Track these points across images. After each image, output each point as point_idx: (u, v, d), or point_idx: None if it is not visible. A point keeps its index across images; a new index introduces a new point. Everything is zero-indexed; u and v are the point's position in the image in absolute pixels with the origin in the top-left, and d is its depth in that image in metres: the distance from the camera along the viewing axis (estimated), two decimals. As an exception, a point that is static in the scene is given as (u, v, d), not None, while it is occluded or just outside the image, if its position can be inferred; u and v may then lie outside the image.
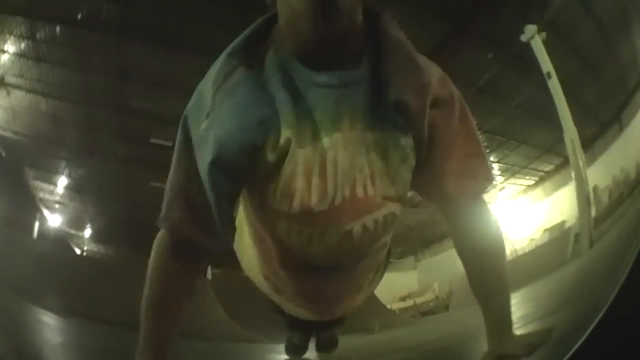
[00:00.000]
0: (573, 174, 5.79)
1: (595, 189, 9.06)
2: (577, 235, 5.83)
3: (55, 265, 7.27)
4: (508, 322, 1.03)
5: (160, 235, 1.06)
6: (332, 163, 0.86)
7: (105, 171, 12.09)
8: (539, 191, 13.90)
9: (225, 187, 0.87)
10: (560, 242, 7.00)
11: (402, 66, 0.86)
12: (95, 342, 2.42)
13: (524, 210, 13.16)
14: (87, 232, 13.64)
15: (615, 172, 8.93)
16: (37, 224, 12.84)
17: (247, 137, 0.83)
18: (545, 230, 11.76)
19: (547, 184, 13.39)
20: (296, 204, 0.89)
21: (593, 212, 8.88)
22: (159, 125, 10.04)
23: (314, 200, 0.88)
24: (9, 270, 6.26)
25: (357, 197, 0.90)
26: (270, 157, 0.86)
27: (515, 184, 13.69)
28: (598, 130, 10.65)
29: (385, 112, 0.87)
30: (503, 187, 13.62)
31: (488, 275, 1.09)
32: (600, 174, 9.73)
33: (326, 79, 0.86)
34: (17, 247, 7.32)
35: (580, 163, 5.70)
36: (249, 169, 0.87)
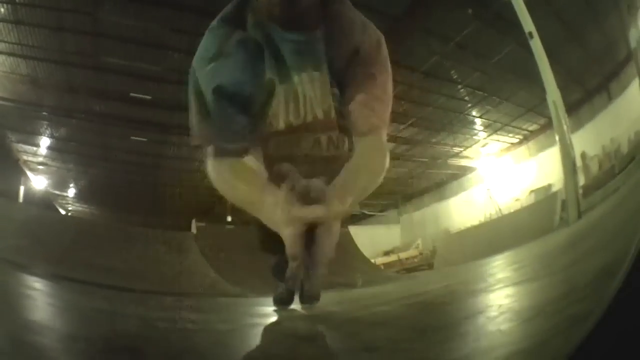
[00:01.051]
0: (557, 137, 5.80)
1: (583, 155, 9.07)
2: (564, 203, 5.85)
3: (42, 229, 7.17)
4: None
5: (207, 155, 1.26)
6: (302, 94, 1.29)
7: (86, 129, 11.74)
8: (523, 150, 13.89)
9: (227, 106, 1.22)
10: (546, 206, 7.03)
11: (340, 32, 1.28)
12: (85, 305, 2.41)
13: (507, 169, 13.16)
14: (71, 192, 13.47)
15: (605, 142, 8.95)
16: (22, 188, 12.66)
17: (248, 80, 1.24)
18: (531, 191, 11.77)
19: (532, 144, 13.34)
20: (281, 122, 1.30)
21: (582, 180, 8.88)
22: (136, 81, 9.78)
23: (291, 118, 1.30)
24: None
25: (319, 118, 1.31)
26: (260, 93, 1.27)
27: (499, 140, 13.59)
28: (584, 96, 10.59)
29: (331, 62, 1.29)
30: (486, 143, 13.55)
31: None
32: (588, 141, 9.78)
33: (294, 36, 1.27)
34: (3, 215, 7.19)
35: (565, 127, 5.71)
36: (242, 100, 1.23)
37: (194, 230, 9.70)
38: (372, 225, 22.15)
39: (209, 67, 1.22)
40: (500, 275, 2.09)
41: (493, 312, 1.02)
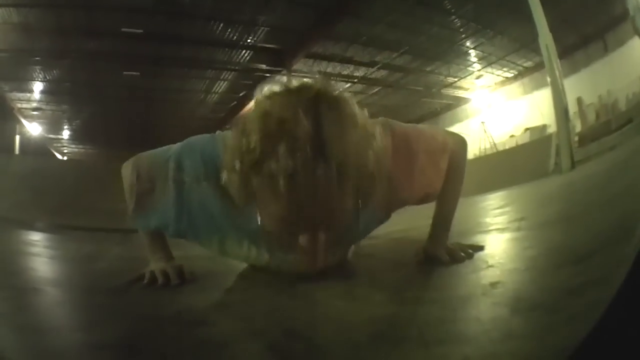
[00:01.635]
0: (549, 80, 5.80)
1: (580, 101, 9.04)
2: (558, 147, 5.91)
3: (42, 180, 7.17)
4: (447, 229, 1.17)
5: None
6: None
7: (79, 69, 11.57)
8: (518, 86, 13.85)
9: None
10: (541, 148, 7.07)
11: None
12: (84, 252, 2.51)
13: (502, 104, 13.12)
14: (67, 134, 13.39)
15: (602, 92, 8.92)
16: (17, 138, 12.54)
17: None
18: (526, 129, 11.80)
19: (527, 81, 13.27)
20: None
21: (578, 127, 8.93)
22: (126, 15, 9.56)
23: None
24: None
25: None
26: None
27: (493, 74, 13.51)
28: (579, 41, 10.47)
29: None
30: (480, 75, 13.45)
31: (450, 193, 1.19)
32: (585, 87, 9.74)
33: None
34: (2, 171, 7.18)
35: (557, 73, 5.70)
36: None
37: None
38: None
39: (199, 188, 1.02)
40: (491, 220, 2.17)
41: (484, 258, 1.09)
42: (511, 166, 7.64)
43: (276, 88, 0.84)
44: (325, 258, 0.89)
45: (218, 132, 1.10)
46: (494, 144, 14.33)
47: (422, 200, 1.16)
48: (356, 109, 0.84)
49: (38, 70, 12.59)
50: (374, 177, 0.83)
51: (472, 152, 14.66)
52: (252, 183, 0.80)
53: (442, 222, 1.18)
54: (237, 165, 0.81)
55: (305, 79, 0.89)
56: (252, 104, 0.88)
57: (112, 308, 0.89)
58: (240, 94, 15.29)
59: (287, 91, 0.83)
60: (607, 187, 1.78)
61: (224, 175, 0.88)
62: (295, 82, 0.86)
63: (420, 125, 1.31)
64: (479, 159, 11.39)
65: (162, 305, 0.92)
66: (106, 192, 6.98)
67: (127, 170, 1.21)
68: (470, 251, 1.08)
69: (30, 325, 0.77)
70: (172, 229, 1.06)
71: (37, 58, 11.31)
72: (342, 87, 0.94)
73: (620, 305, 0.47)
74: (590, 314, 0.54)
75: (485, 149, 14.35)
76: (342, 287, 0.96)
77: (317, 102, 0.79)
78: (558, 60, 6.09)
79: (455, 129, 17.36)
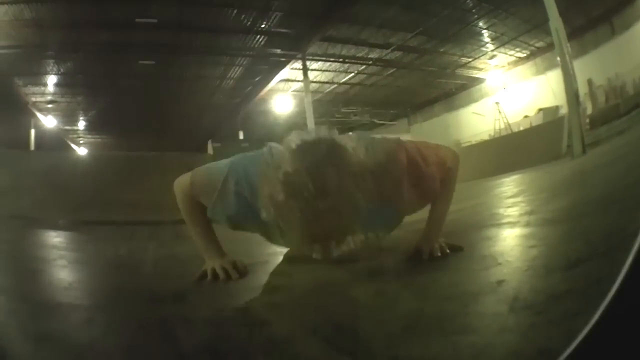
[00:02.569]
0: (559, 63, 5.85)
1: (590, 82, 9.12)
2: (570, 130, 5.99)
3: (61, 176, 7.16)
4: (439, 229, 1.41)
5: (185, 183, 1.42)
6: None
7: (94, 60, 11.66)
8: (530, 66, 13.81)
9: None
10: (554, 129, 7.11)
11: None
12: (105, 249, 2.51)
13: (516, 84, 13.07)
14: (82, 125, 13.58)
15: (611, 75, 8.98)
16: (32, 133, 12.67)
17: None
18: (540, 109, 11.78)
19: (539, 61, 13.26)
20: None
21: (589, 109, 8.94)
22: (141, 5, 9.62)
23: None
24: (11, 200, 6.09)
25: None
26: None
27: (506, 54, 13.48)
28: (586, 23, 10.50)
29: None
30: (494, 55, 13.39)
31: (444, 199, 1.44)
32: (594, 69, 9.84)
33: None
34: (22, 169, 7.09)
35: (567, 57, 5.74)
36: None
37: (210, 151, 9.83)
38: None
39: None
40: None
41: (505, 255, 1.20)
42: (525, 148, 7.69)
43: (294, 144, 1.12)
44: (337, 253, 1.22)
45: (265, 148, 1.29)
46: (509, 125, 14.34)
47: (423, 205, 1.43)
48: (356, 159, 1.13)
49: (52, 64, 12.65)
50: (361, 208, 1.10)
51: (487, 132, 14.69)
52: (278, 210, 1.08)
53: (435, 223, 1.43)
54: (269, 206, 1.09)
55: (317, 137, 1.15)
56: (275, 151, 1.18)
57: (177, 316, 0.97)
58: (256, 79, 15.33)
59: (302, 148, 1.11)
60: (614, 183, 1.90)
61: (260, 204, 1.16)
62: (309, 138, 1.13)
63: (428, 143, 1.53)
64: (495, 141, 11.43)
65: (222, 308, 1.05)
66: (129, 184, 7.07)
67: (184, 181, 1.42)
68: (448, 251, 1.31)
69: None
70: (233, 220, 1.33)
71: (50, 52, 11.37)
72: (347, 141, 1.16)
73: (620, 305, 0.49)
74: (574, 322, 0.58)
75: (500, 129, 14.34)
76: (374, 285, 1.13)
77: (324, 163, 1.08)
78: (568, 45, 6.16)
79: (470, 108, 17.33)
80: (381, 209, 1.19)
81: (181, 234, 3.46)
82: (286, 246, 1.46)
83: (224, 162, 1.39)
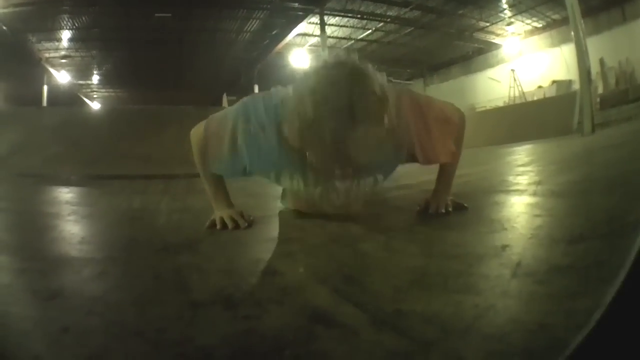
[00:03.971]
0: (573, 36, 5.83)
1: (602, 62, 9.12)
2: (581, 107, 6.04)
3: (75, 130, 7.16)
4: (448, 187, 1.49)
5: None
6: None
7: (109, 14, 11.66)
8: (545, 37, 13.74)
9: None
10: (566, 104, 7.09)
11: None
12: (118, 203, 2.54)
13: (531, 53, 12.99)
14: (96, 79, 13.63)
15: (622, 58, 8.94)
16: (45, 89, 12.74)
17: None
18: (553, 81, 11.76)
19: (554, 34, 13.20)
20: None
21: (600, 88, 8.93)
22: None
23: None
24: (22, 158, 6.06)
25: None
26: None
27: (523, 22, 13.47)
28: (601, 3, 10.45)
29: None
30: (511, 22, 13.37)
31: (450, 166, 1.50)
32: (606, 49, 9.87)
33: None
34: (36, 125, 7.05)
35: (581, 34, 5.71)
36: None
37: (225, 104, 9.87)
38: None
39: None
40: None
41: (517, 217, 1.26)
42: (538, 120, 7.74)
43: (319, 64, 1.18)
44: (355, 192, 1.33)
45: (273, 88, 1.39)
46: (523, 94, 14.35)
47: (429, 160, 1.42)
48: (378, 82, 1.16)
49: (67, 19, 12.57)
50: (387, 131, 1.17)
51: (501, 99, 14.59)
52: (305, 133, 1.14)
53: (444, 181, 1.50)
54: (296, 123, 1.14)
55: (339, 57, 1.20)
56: (302, 74, 1.24)
57: (193, 266, 0.98)
58: (273, 33, 15.16)
59: (326, 68, 1.16)
60: (618, 167, 1.92)
61: (284, 127, 1.23)
62: (332, 60, 1.18)
63: (434, 98, 1.57)
64: (509, 108, 11.43)
65: (235, 258, 1.07)
66: (142, 138, 7.06)
67: (199, 130, 1.46)
68: (451, 209, 1.39)
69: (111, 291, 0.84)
70: (247, 168, 1.35)
71: (66, 7, 11.27)
72: (369, 66, 1.20)
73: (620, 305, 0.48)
74: (573, 301, 0.61)
75: (514, 97, 14.31)
76: (383, 239, 1.16)
77: (350, 80, 1.12)
78: (582, 22, 6.17)
79: (486, 73, 17.16)
80: (389, 146, 1.28)
81: (194, 188, 3.51)
82: (294, 188, 1.44)
83: (235, 106, 1.43)
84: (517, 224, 1.17)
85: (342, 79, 1.12)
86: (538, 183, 1.85)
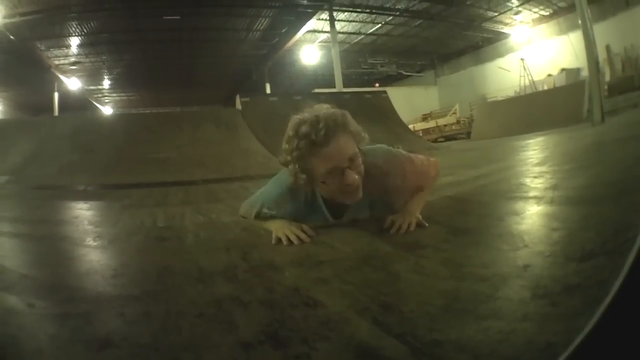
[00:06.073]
0: (580, 24, 5.89)
1: (608, 48, 9.22)
2: (590, 96, 6.08)
3: (83, 136, 7.20)
4: (418, 208, 1.61)
5: None
6: None
7: (118, 17, 11.87)
8: (553, 25, 13.85)
9: None
10: (576, 93, 7.13)
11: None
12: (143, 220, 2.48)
13: (540, 41, 13.11)
14: (107, 83, 13.86)
15: (627, 44, 8.98)
16: (56, 96, 12.89)
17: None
18: (562, 69, 11.84)
19: (561, 21, 13.32)
20: None
21: (607, 76, 9.01)
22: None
23: None
24: (36, 168, 6.04)
25: None
26: None
27: (530, 10, 13.60)
28: None
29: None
30: (519, 11, 13.51)
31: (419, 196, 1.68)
32: (612, 35, 10.03)
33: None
34: (49, 134, 7.03)
35: (587, 21, 5.76)
36: None
37: (238, 106, 9.97)
38: (409, 87, 22.55)
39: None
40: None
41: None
42: (549, 109, 7.79)
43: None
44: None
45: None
46: (533, 82, 14.36)
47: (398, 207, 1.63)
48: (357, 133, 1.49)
49: (75, 25, 12.76)
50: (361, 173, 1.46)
51: (512, 88, 14.55)
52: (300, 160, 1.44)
53: (416, 202, 1.64)
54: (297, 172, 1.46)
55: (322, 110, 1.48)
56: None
57: (234, 299, 0.95)
58: (283, 30, 15.18)
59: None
60: (625, 171, 2.02)
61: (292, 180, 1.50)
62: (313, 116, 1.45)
63: (412, 155, 1.77)
64: (520, 98, 11.44)
65: (272, 286, 1.06)
66: (157, 142, 7.07)
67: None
68: (411, 229, 1.50)
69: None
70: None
71: (74, 13, 11.37)
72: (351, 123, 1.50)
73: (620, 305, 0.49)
74: (575, 322, 0.60)
75: (525, 86, 14.26)
76: (413, 259, 1.17)
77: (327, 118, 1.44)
78: (588, 9, 6.20)
79: (496, 63, 17.14)
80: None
81: (213, 197, 3.52)
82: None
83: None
84: (536, 240, 1.18)
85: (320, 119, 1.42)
86: (554, 188, 1.90)
